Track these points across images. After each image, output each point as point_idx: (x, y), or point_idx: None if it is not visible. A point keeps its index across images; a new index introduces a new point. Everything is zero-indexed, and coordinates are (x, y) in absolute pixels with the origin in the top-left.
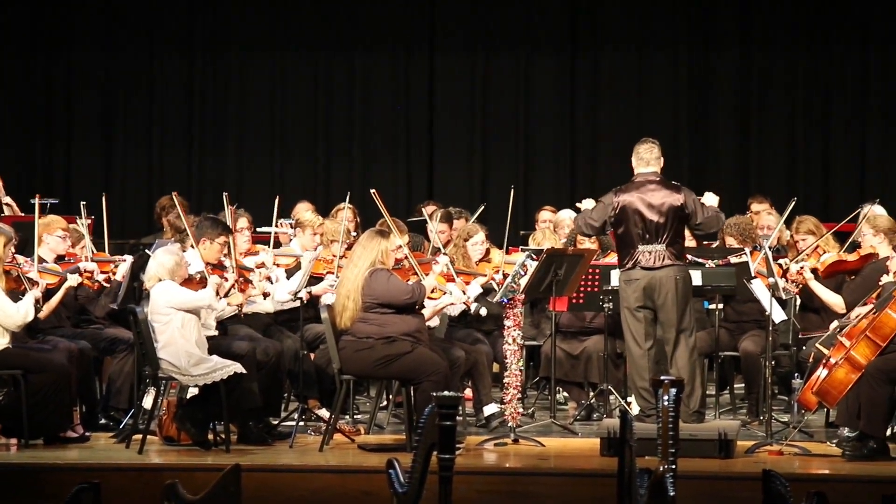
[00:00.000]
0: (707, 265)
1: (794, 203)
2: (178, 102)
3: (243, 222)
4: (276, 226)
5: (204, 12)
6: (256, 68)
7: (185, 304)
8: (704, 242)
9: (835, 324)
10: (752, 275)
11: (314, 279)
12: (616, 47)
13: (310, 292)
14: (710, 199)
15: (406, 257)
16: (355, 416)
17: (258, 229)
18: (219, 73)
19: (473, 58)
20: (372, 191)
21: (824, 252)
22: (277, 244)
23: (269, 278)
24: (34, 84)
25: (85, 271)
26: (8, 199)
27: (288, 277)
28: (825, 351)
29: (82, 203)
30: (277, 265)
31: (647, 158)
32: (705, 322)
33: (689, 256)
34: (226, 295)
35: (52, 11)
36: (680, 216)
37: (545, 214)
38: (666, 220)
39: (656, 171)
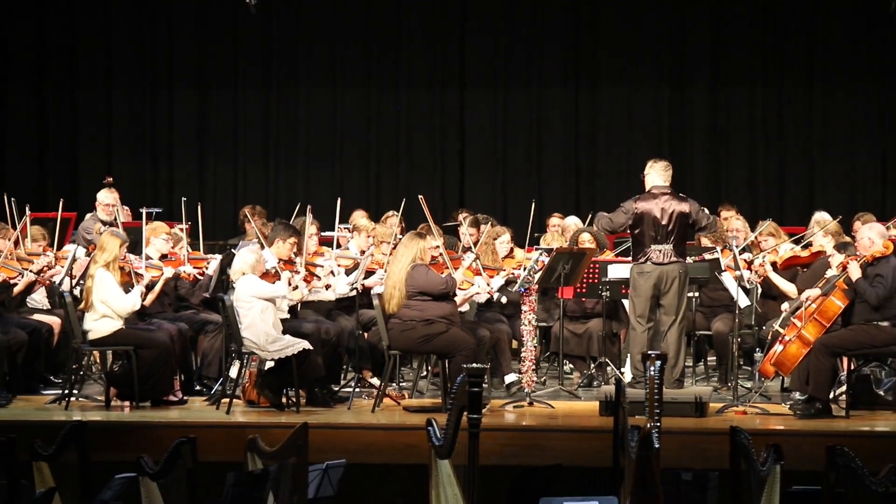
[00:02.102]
0: (686, 260)
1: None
2: (258, 128)
3: (312, 229)
4: (337, 230)
5: (279, 56)
6: (321, 100)
7: (263, 294)
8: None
9: (786, 305)
10: (723, 268)
11: (367, 273)
12: (610, 85)
13: (363, 284)
14: None
15: (440, 254)
16: (401, 384)
17: (322, 233)
18: (291, 104)
19: (495, 93)
20: (420, 197)
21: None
22: (338, 245)
23: (332, 272)
24: (142, 116)
25: (183, 273)
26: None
27: (347, 275)
28: (781, 330)
29: (183, 211)
30: (339, 265)
31: (664, 176)
32: None
33: None
34: (294, 288)
35: (155, 54)
36: (686, 223)
37: (554, 220)
38: (675, 226)
39: (668, 185)
